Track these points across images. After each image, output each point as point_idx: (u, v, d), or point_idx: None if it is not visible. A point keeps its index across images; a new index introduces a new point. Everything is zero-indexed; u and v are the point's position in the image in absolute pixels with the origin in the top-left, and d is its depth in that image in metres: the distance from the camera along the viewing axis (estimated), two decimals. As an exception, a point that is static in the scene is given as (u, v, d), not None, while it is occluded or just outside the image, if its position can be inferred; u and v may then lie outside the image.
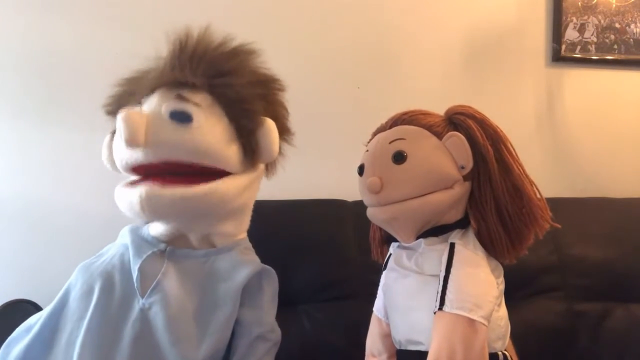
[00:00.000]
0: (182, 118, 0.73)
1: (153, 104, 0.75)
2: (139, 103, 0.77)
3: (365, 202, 0.81)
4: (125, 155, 0.74)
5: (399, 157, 0.75)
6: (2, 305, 1.02)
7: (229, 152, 0.76)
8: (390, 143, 0.77)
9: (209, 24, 0.80)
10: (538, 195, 0.76)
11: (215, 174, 0.76)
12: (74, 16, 1.36)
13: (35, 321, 0.77)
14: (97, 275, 0.76)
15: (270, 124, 0.79)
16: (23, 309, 1.04)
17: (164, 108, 0.74)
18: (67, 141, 1.35)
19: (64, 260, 1.14)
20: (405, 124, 0.80)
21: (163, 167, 0.74)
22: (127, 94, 0.80)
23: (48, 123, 1.36)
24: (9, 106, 1.35)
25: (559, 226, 0.77)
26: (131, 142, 0.71)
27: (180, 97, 0.74)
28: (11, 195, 1.35)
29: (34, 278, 1.31)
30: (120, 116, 0.70)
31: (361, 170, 0.81)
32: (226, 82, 0.76)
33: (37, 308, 1.05)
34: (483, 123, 0.76)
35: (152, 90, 0.77)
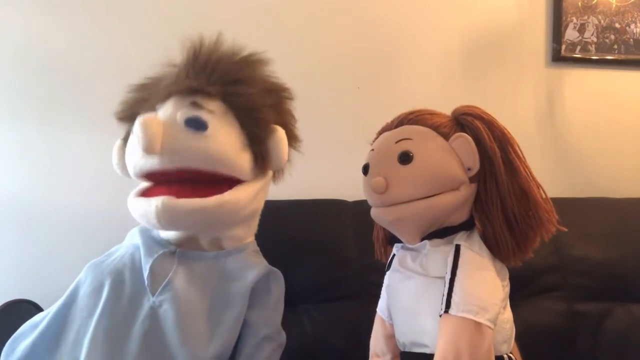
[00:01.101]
0: (197, 125, 0.73)
1: (168, 111, 0.76)
2: (153, 109, 0.78)
3: (370, 202, 0.81)
4: (140, 161, 0.75)
5: (405, 158, 0.74)
6: (2, 305, 1.02)
7: (242, 159, 0.77)
8: (396, 143, 0.76)
9: (219, 32, 0.81)
10: (544, 198, 0.76)
11: (226, 181, 0.77)
12: (75, 16, 1.36)
13: (41, 318, 0.77)
14: (107, 273, 0.77)
15: (280, 133, 0.80)
16: (23, 309, 1.04)
17: (179, 115, 0.74)
18: (67, 141, 1.35)
19: (64, 260, 1.14)
20: (411, 124, 0.79)
21: (176, 174, 0.74)
22: (141, 100, 0.80)
23: (48, 123, 1.36)
24: (8, 106, 1.35)
25: (566, 229, 0.76)
26: (148, 149, 0.71)
27: (195, 104, 0.75)
28: (11, 195, 1.35)
29: (34, 278, 1.31)
30: (139, 122, 0.71)
31: (366, 169, 0.80)
32: (239, 90, 0.77)
33: (37, 308, 1.05)
34: (490, 124, 0.76)
35: (166, 97, 0.77)
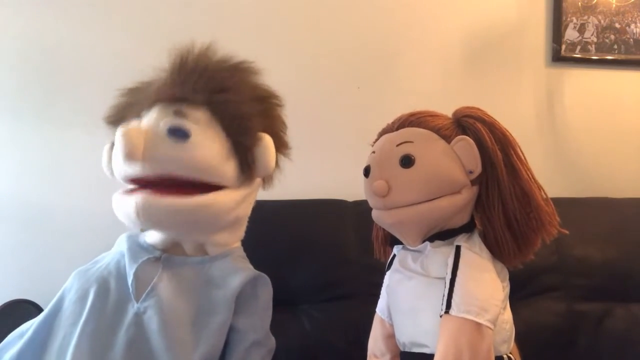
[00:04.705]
0: (179, 135, 0.73)
1: (152, 119, 0.76)
2: (139, 116, 0.78)
3: (371, 205, 0.80)
4: (123, 168, 0.75)
5: (407, 161, 0.73)
6: (2, 305, 1.02)
7: (225, 168, 0.77)
8: (397, 146, 0.76)
9: (212, 39, 0.80)
10: (546, 200, 0.76)
11: (212, 187, 0.77)
12: (74, 16, 1.36)
13: (27, 327, 0.77)
14: (92, 280, 0.77)
15: (267, 141, 0.79)
16: (23, 309, 1.04)
17: (162, 124, 0.74)
18: (66, 141, 1.35)
19: (64, 260, 1.14)
20: (412, 126, 0.78)
21: (160, 180, 0.74)
22: (129, 106, 0.80)
23: (47, 123, 1.36)
24: (8, 106, 1.35)
25: (567, 232, 0.77)
26: (129, 158, 0.71)
27: (179, 113, 0.75)
28: (11, 196, 1.35)
29: (34, 278, 1.31)
30: (119, 132, 0.71)
31: (367, 172, 0.80)
32: (225, 98, 0.76)
33: (37, 308, 1.05)
34: (492, 126, 0.75)
35: (151, 105, 0.77)
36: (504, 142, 0.75)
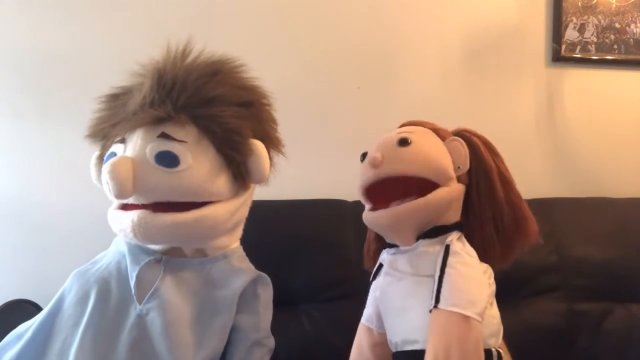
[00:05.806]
0: (168, 162, 0.72)
1: (137, 146, 0.73)
2: (122, 139, 0.76)
3: (361, 181, 0.83)
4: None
5: (404, 142, 0.79)
6: (2, 305, 1.02)
7: (218, 185, 0.76)
8: (397, 133, 0.82)
9: (210, 40, 0.78)
10: (529, 211, 0.83)
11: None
12: (74, 16, 1.36)
13: (26, 329, 0.76)
14: (93, 281, 0.76)
15: (260, 150, 0.78)
16: (23, 309, 1.04)
17: (148, 151, 0.72)
18: (67, 141, 1.35)
19: (64, 260, 1.14)
20: (413, 125, 0.86)
21: (153, 203, 0.74)
22: (109, 125, 0.78)
23: (48, 123, 1.36)
24: (8, 106, 1.35)
25: (542, 242, 0.85)
26: (120, 197, 0.71)
27: (164, 136, 0.73)
28: (11, 196, 1.35)
29: (34, 278, 1.31)
30: (106, 170, 0.69)
31: (364, 157, 0.84)
32: (211, 113, 0.74)
33: (37, 308, 1.05)
34: (487, 142, 0.84)
35: (134, 128, 0.75)
36: (496, 155, 0.83)
